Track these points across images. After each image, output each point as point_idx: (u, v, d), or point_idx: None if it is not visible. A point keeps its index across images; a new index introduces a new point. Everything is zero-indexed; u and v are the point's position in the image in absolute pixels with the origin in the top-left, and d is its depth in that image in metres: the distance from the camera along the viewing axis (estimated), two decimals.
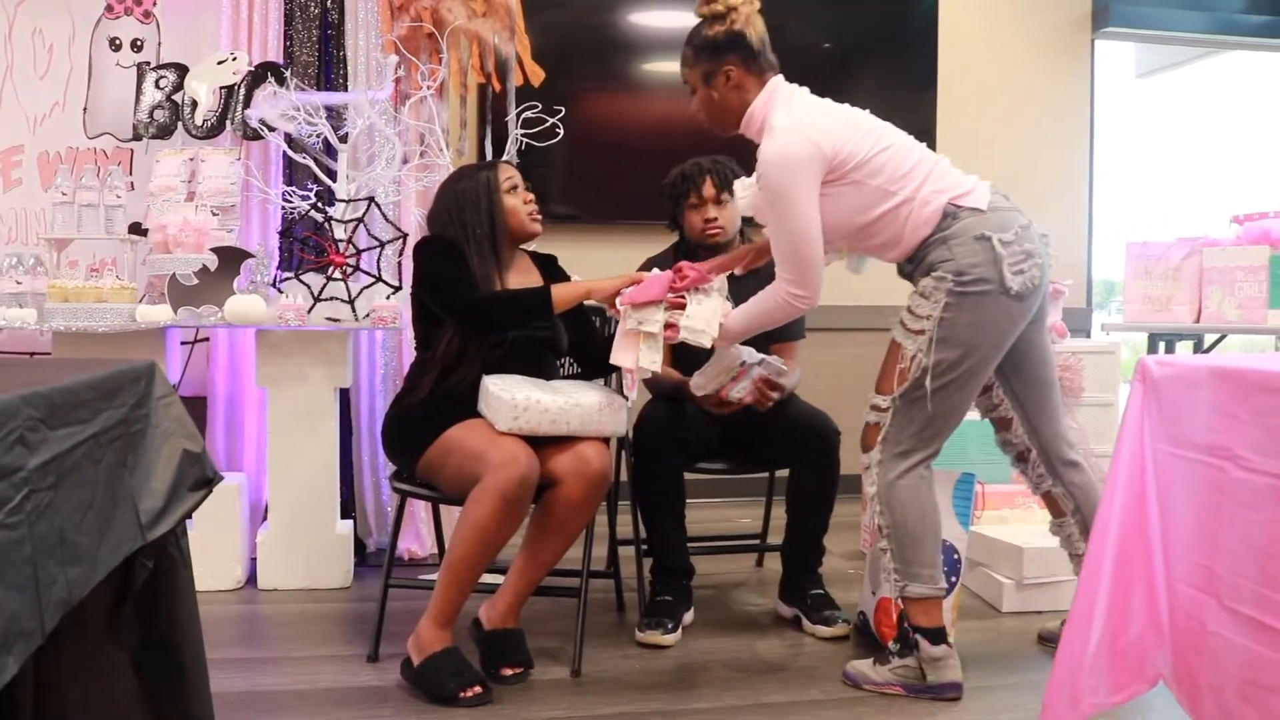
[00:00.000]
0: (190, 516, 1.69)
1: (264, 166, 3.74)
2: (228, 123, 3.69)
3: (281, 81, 3.61)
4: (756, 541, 3.68)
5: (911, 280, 2.52)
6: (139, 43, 3.91)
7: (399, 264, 3.61)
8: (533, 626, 2.78)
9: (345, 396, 3.66)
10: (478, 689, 2.43)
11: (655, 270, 2.67)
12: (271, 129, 3.55)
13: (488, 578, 2.64)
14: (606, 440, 2.63)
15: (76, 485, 1.31)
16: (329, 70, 3.83)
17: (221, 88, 3.69)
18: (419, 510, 3.72)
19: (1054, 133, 5.31)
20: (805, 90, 2.56)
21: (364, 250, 3.34)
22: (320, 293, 3.28)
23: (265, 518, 3.52)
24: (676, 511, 2.99)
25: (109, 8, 3.90)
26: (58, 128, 3.89)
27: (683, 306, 2.53)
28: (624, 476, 3.07)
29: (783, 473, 3.10)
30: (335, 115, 3.59)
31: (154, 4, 3.92)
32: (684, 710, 2.44)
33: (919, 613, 2.47)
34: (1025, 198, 2.58)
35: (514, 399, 2.47)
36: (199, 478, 1.69)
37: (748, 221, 3.13)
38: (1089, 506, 2.65)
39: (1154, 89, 7.62)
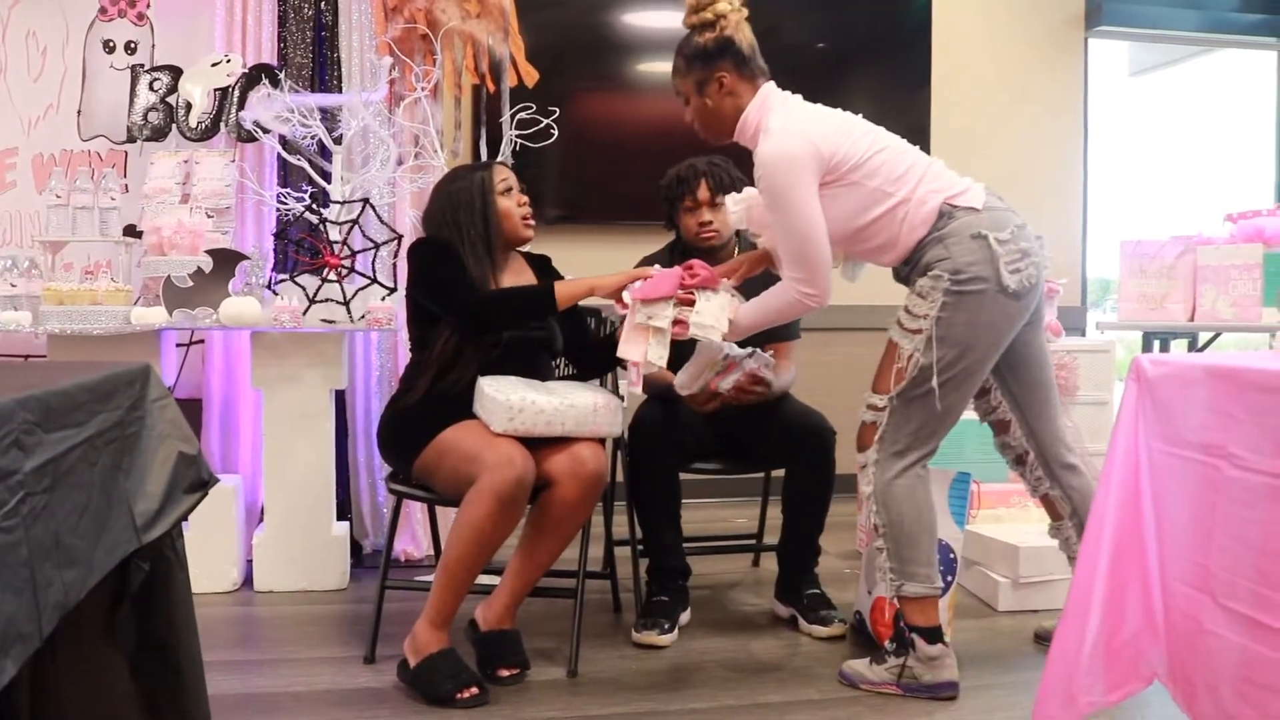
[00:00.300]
0: (186, 519, 1.69)
1: (258, 168, 3.73)
2: (222, 125, 3.69)
3: (276, 83, 3.61)
4: (752, 541, 3.68)
5: (906, 283, 2.52)
6: (133, 45, 3.91)
7: (394, 265, 3.61)
8: (529, 627, 2.78)
9: (341, 398, 3.66)
10: (474, 690, 2.43)
11: (657, 267, 2.67)
12: (266, 131, 3.55)
13: (484, 579, 2.63)
14: (602, 441, 2.63)
15: (72, 488, 1.30)
16: (323, 72, 3.83)
17: (216, 90, 3.69)
18: (415, 511, 3.72)
19: (1048, 131, 5.32)
20: (799, 97, 2.57)
21: (359, 252, 3.34)
22: (315, 294, 3.28)
23: (261, 520, 3.52)
24: (672, 512, 2.99)
25: (103, 10, 3.89)
26: (52, 130, 3.89)
27: (692, 303, 2.53)
28: (620, 477, 3.07)
29: (779, 473, 3.10)
30: (330, 117, 3.58)
31: (148, 6, 3.92)
32: (680, 710, 2.44)
33: (915, 612, 2.47)
34: (1020, 197, 2.59)
35: (509, 400, 2.47)
36: (194, 480, 1.69)
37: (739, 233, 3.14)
38: (1086, 510, 2.65)
39: (1147, 87, 7.64)
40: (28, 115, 3.88)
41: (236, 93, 3.67)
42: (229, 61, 3.66)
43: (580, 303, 3.00)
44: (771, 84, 2.57)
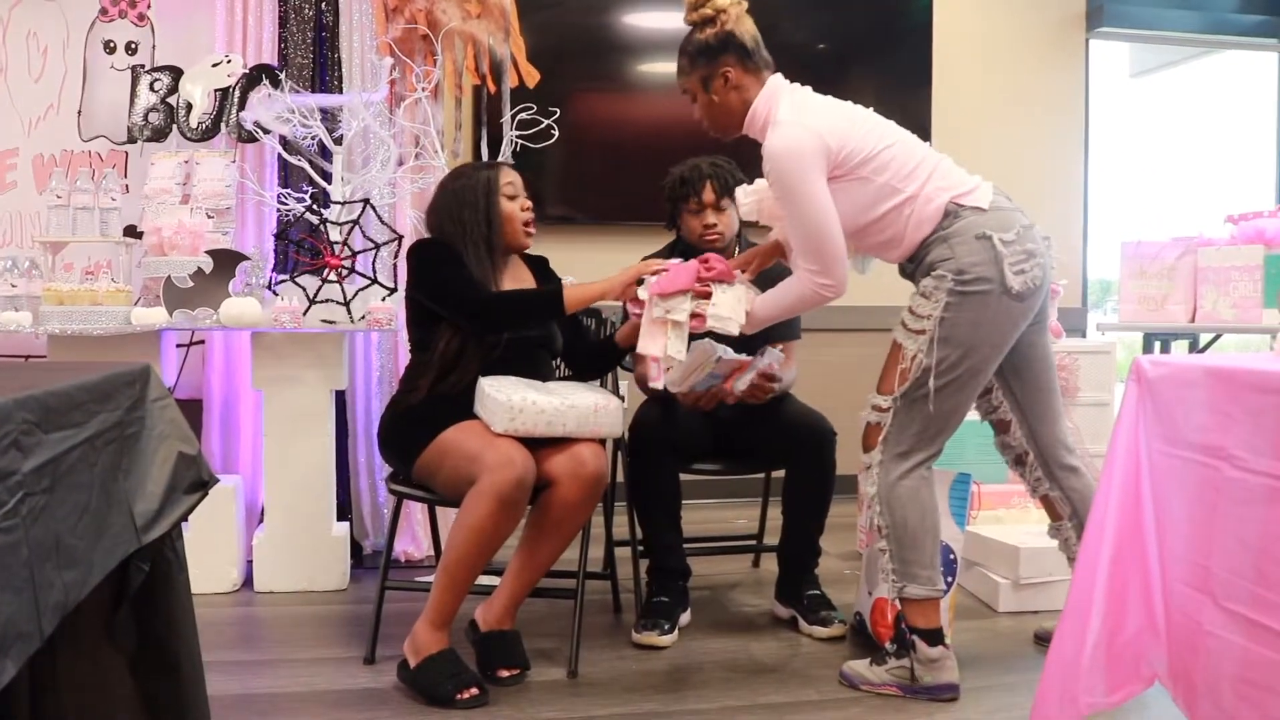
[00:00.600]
0: (186, 519, 1.69)
1: (259, 169, 3.73)
2: (222, 125, 3.69)
3: (276, 84, 3.61)
4: (753, 542, 3.68)
5: (913, 280, 2.52)
6: (133, 45, 3.91)
7: (395, 266, 3.61)
8: (529, 628, 2.78)
9: (341, 398, 3.66)
10: (474, 690, 2.43)
11: (678, 260, 2.66)
12: (266, 131, 3.55)
13: (484, 579, 2.64)
14: (603, 441, 2.63)
15: (71, 489, 1.30)
16: (324, 72, 3.83)
17: (216, 90, 3.69)
18: (415, 512, 3.72)
19: (1048, 132, 5.32)
20: (808, 89, 2.56)
21: (359, 252, 3.34)
22: (316, 295, 3.28)
23: (261, 520, 3.52)
24: (673, 512, 2.99)
25: (103, 10, 3.89)
26: (52, 130, 3.89)
27: (708, 296, 2.53)
28: (620, 478, 3.07)
29: (779, 473, 3.10)
30: (330, 117, 3.58)
31: (148, 7, 3.92)
32: (680, 711, 2.44)
33: (916, 614, 2.47)
34: (1020, 198, 2.58)
35: (510, 400, 2.47)
36: (194, 480, 1.69)
37: (747, 225, 3.13)
38: (1086, 511, 2.65)
39: (1148, 88, 7.63)
40: (28, 116, 3.88)
41: (237, 93, 3.67)
42: (229, 62, 3.66)
43: None
44: (778, 76, 2.57)
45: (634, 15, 4.83)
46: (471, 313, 2.60)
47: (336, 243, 3.33)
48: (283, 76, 3.64)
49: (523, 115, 3.59)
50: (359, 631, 2.93)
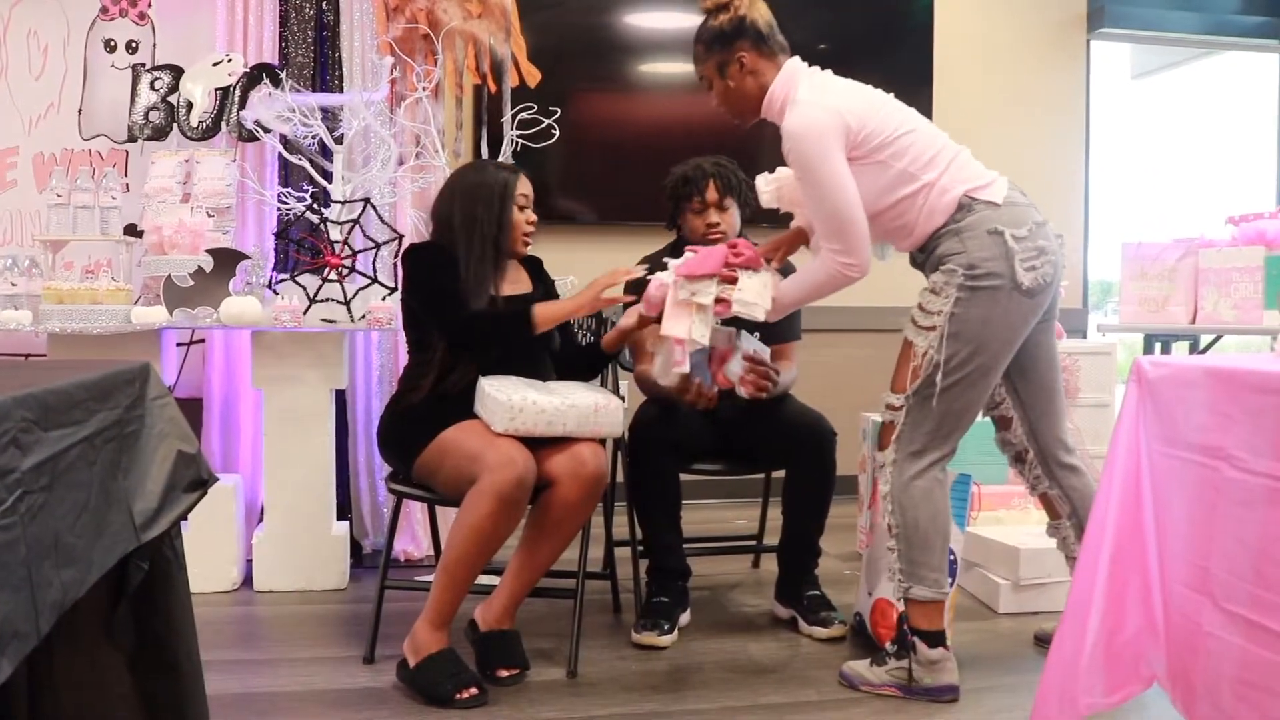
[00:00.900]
0: (185, 518, 1.69)
1: (259, 168, 3.73)
2: (223, 124, 3.69)
3: (277, 83, 3.61)
4: (753, 542, 3.68)
5: (922, 270, 2.51)
6: (134, 44, 3.91)
7: (395, 265, 3.61)
8: (529, 628, 2.78)
9: (341, 398, 3.66)
10: (473, 690, 2.43)
11: (667, 266, 2.65)
12: (267, 130, 3.55)
13: (484, 579, 2.63)
14: (603, 441, 2.63)
15: (70, 487, 1.30)
16: (324, 72, 3.83)
17: (217, 89, 3.69)
18: (415, 511, 3.72)
19: (1049, 133, 5.32)
20: (829, 72, 2.56)
21: (360, 251, 3.34)
22: (316, 294, 3.28)
23: (261, 519, 3.51)
24: (672, 512, 2.99)
25: (104, 9, 3.89)
26: (53, 129, 3.89)
27: (734, 281, 2.52)
28: (620, 477, 3.07)
29: (779, 474, 3.10)
30: (331, 117, 3.58)
31: (149, 5, 3.92)
32: (680, 711, 2.44)
33: (920, 615, 2.46)
34: None
35: (510, 400, 2.47)
36: (194, 479, 1.69)
37: (750, 222, 3.13)
38: (1085, 510, 2.64)
39: (1149, 90, 7.63)
40: (29, 114, 3.88)
41: (238, 92, 3.67)
42: (230, 61, 3.66)
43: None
44: (796, 59, 2.57)
45: (634, 15, 4.83)
46: (451, 329, 2.63)
47: (337, 242, 3.33)
48: (283, 75, 3.64)
49: (523, 115, 3.59)
50: (358, 631, 2.93)
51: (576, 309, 2.64)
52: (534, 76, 3.81)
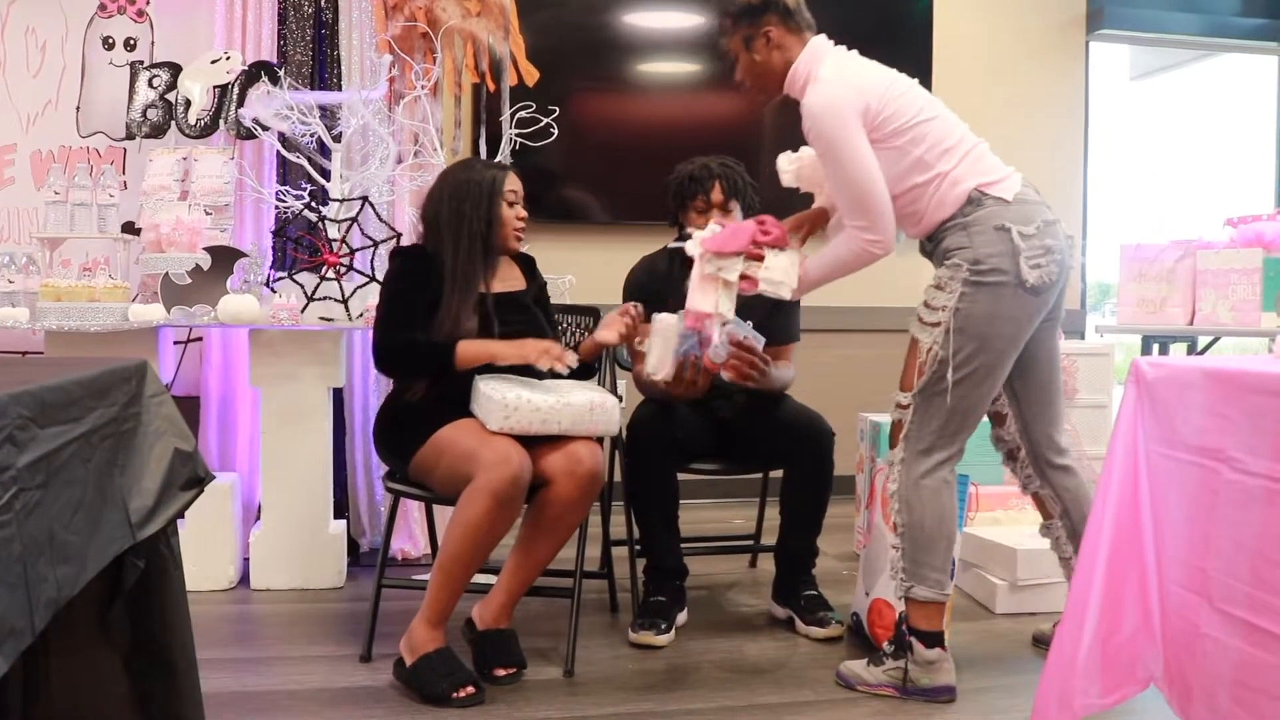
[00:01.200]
0: (182, 516, 1.69)
1: (257, 166, 3.73)
2: (221, 122, 3.69)
3: (275, 81, 3.61)
4: (750, 542, 3.68)
5: (930, 259, 2.52)
6: (132, 42, 3.91)
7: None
8: (526, 627, 2.78)
9: (338, 396, 3.66)
10: (470, 689, 2.42)
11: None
12: (265, 128, 3.54)
13: (481, 578, 2.63)
14: (600, 440, 2.63)
15: (66, 484, 1.30)
16: (323, 69, 3.83)
17: (215, 87, 3.68)
18: (412, 510, 3.71)
19: (1048, 134, 5.32)
20: (855, 52, 2.56)
21: (358, 250, 3.33)
22: (314, 292, 3.28)
23: (258, 518, 3.51)
24: (670, 512, 2.98)
25: (102, 6, 3.89)
26: (51, 126, 3.88)
27: (760, 259, 2.52)
28: (617, 476, 3.07)
29: (776, 473, 3.09)
30: (329, 115, 3.58)
31: (147, 3, 3.91)
32: (677, 711, 2.43)
33: (920, 616, 2.46)
34: None
35: (505, 398, 2.47)
36: (190, 477, 1.68)
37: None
38: (1077, 511, 2.65)
39: (1148, 91, 7.64)
40: (26, 111, 3.88)
41: (236, 90, 3.67)
42: (228, 59, 3.66)
43: (562, 301, 3.05)
44: (822, 37, 2.56)
45: (633, 15, 4.83)
46: (376, 352, 2.66)
47: (335, 240, 3.32)
48: (282, 73, 3.64)
49: (522, 114, 3.59)
50: (355, 629, 2.92)
51: (500, 355, 2.59)
52: (532, 75, 3.80)
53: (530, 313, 2.80)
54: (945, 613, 2.54)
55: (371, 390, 3.74)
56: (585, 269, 3.74)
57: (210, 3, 3.77)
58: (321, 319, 3.31)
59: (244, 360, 3.59)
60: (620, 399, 2.64)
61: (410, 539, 3.73)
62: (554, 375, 2.57)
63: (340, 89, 3.73)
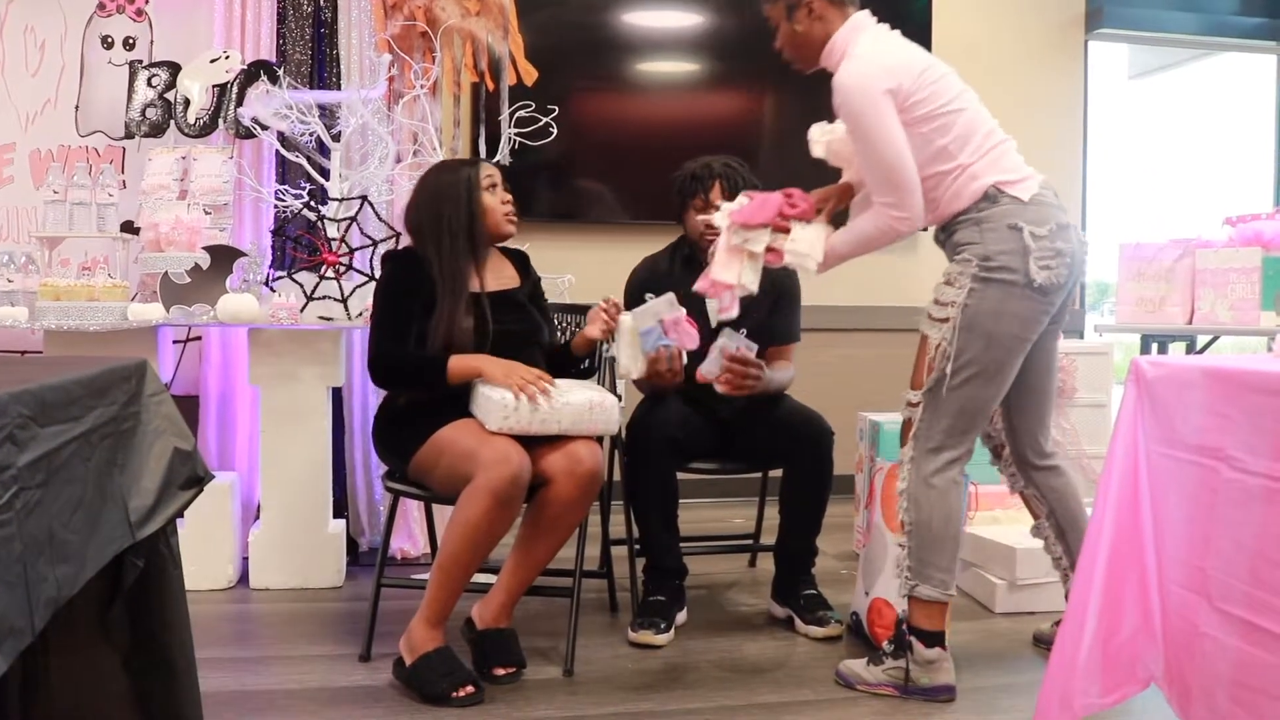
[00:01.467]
0: (181, 515, 1.69)
1: (256, 165, 3.73)
2: (220, 121, 3.68)
3: (274, 80, 3.60)
4: (749, 541, 3.68)
5: (942, 249, 2.52)
6: (131, 41, 3.90)
7: None
8: (525, 626, 2.78)
9: (338, 395, 3.66)
10: (470, 688, 2.42)
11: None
12: (264, 127, 3.54)
13: (480, 577, 2.63)
14: (600, 439, 2.63)
15: (66, 483, 1.30)
16: (322, 69, 3.83)
17: (214, 86, 3.68)
18: (412, 509, 3.71)
19: (1047, 133, 5.31)
20: (897, 32, 2.55)
21: (357, 249, 3.33)
22: (313, 291, 3.28)
23: (257, 517, 3.51)
24: (669, 511, 2.98)
25: (101, 5, 3.88)
26: (49, 125, 3.88)
27: (786, 231, 2.52)
28: (617, 476, 3.07)
29: (776, 473, 3.09)
30: (328, 114, 3.58)
31: (146, 2, 3.91)
32: (676, 710, 2.43)
33: (922, 615, 2.46)
34: None
35: (504, 398, 2.47)
36: (190, 476, 1.68)
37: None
38: (1063, 509, 2.66)
39: (1147, 90, 7.64)
40: (25, 110, 3.87)
41: (235, 89, 3.66)
42: (228, 58, 3.65)
43: (561, 301, 3.07)
44: (865, 12, 2.56)
45: (633, 14, 4.83)
46: (371, 364, 2.66)
47: (334, 239, 3.32)
48: (281, 72, 3.64)
49: (521, 113, 3.59)
50: (354, 629, 2.92)
51: (488, 374, 2.55)
52: (531, 75, 3.80)
53: (525, 310, 2.80)
54: (947, 613, 2.54)
55: (370, 389, 3.73)
56: (584, 268, 3.74)
57: (209, 2, 3.77)
58: (321, 318, 3.30)
59: (243, 359, 3.59)
60: (620, 398, 2.63)
61: (409, 538, 3.72)
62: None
63: (339, 88, 3.73)
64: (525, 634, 2.71)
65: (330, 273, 3.28)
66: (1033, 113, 5.28)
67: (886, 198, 2.44)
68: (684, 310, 2.69)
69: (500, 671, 2.55)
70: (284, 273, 3.40)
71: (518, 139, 3.61)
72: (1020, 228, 2.37)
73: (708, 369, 2.81)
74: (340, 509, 3.69)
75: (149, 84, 3.72)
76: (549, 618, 2.99)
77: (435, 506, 3.18)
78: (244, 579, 3.43)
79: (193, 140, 3.69)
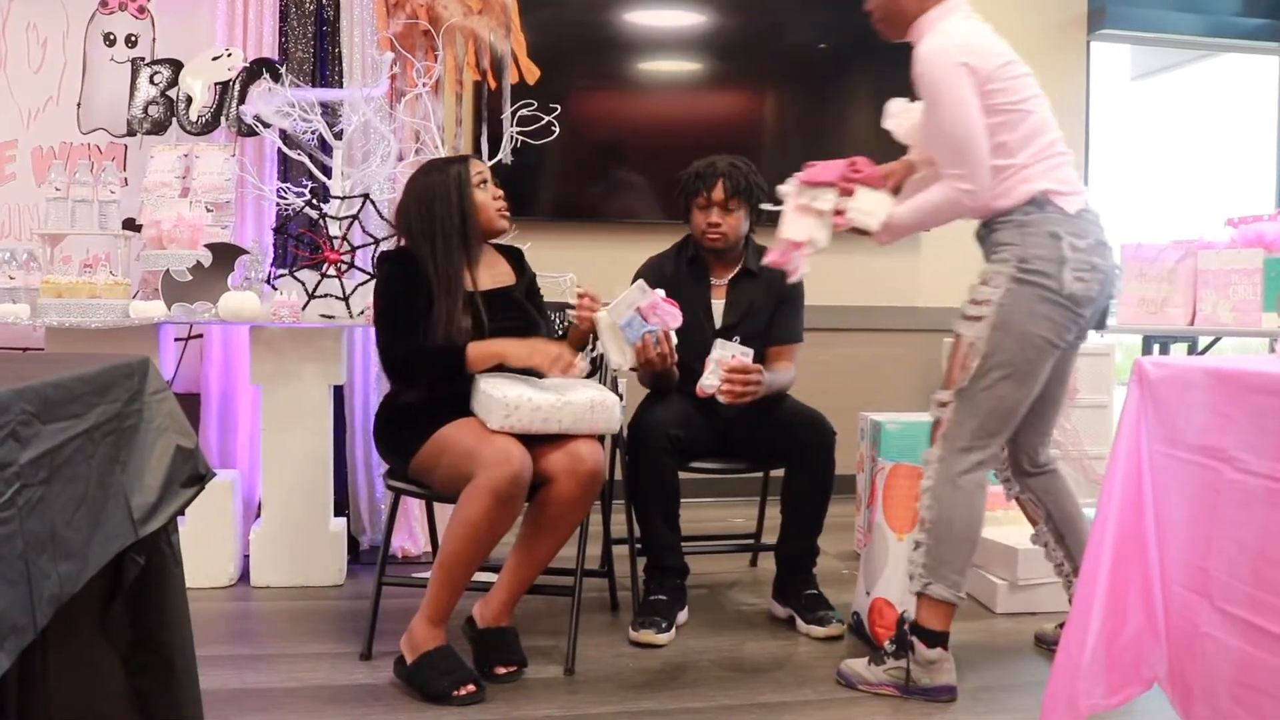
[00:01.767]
0: (182, 513, 1.69)
1: (258, 163, 3.73)
2: (222, 119, 3.68)
3: (276, 78, 3.60)
4: (751, 541, 3.68)
5: (981, 246, 2.53)
6: (133, 38, 3.90)
7: None
8: (526, 625, 2.78)
9: (339, 393, 3.65)
10: (471, 687, 2.42)
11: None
12: (266, 125, 3.54)
13: (481, 576, 2.63)
14: (601, 438, 2.63)
15: (68, 480, 1.30)
16: (324, 67, 3.83)
17: (216, 83, 3.68)
18: (413, 508, 3.71)
19: None
20: (989, 26, 2.57)
21: (359, 247, 3.33)
22: (315, 289, 3.28)
23: (258, 515, 3.51)
24: (671, 510, 2.98)
25: (103, 3, 3.88)
26: (52, 122, 3.88)
27: (850, 194, 2.53)
28: (618, 475, 3.07)
29: (777, 472, 3.09)
30: (330, 112, 3.58)
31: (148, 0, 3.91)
32: (677, 709, 2.43)
33: (930, 614, 2.46)
34: None
35: (505, 397, 2.46)
36: (191, 474, 1.68)
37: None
38: (1059, 511, 2.67)
39: (1149, 91, 7.64)
40: (27, 107, 3.87)
41: (237, 87, 3.66)
42: (230, 55, 3.65)
43: (563, 300, 3.06)
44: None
45: (635, 13, 4.82)
46: (386, 361, 2.67)
47: (336, 237, 3.32)
48: (283, 70, 3.63)
49: (523, 111, 3.59)
50: (355, 627, 2.92)
51: (510, 357, 2.57)
52: (533, 73, 3.80)
53: (521, 308, 2.80)
54: (952, 615, 2.54)
55: (372, 388, 3.73)
56: (585, 267, 3.73)
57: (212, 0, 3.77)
58: (322, 316, 3.30)
59: (245, 357, 3.59)
60: (621, 397, 2.63)
61: (410, 537, 3.72)
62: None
63: (341, 86, 3.73)
64: (526, 633, 2.71)
65: (332, 271, 3.28)
66: None
67: (956, 169, 2.44)
68: (660, 291, 2.68)
69: (501, 670, 2.56)
70: (286, 271, 3.40)
71: (520, 137, 3.61)
72: (1061, 236, 2.38)
73: (707, 383, 2.81)
74: (341, 507, 3.69)
75: (151, 81, 3.72)
76: (550, 617, 2.99)
77: (436, 505, 3.17)
78: (245, 577, 3.43)
79: (195, 138, 3.69)
